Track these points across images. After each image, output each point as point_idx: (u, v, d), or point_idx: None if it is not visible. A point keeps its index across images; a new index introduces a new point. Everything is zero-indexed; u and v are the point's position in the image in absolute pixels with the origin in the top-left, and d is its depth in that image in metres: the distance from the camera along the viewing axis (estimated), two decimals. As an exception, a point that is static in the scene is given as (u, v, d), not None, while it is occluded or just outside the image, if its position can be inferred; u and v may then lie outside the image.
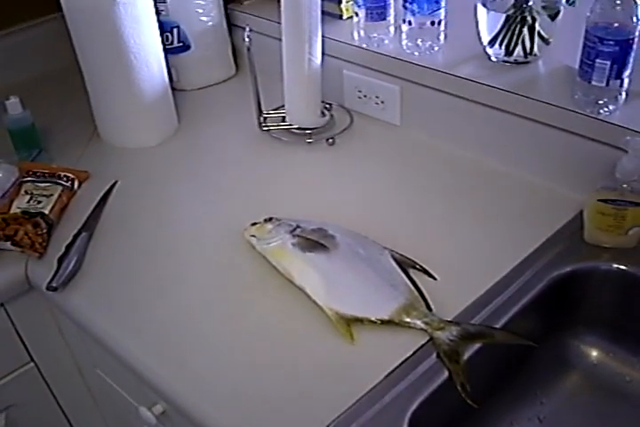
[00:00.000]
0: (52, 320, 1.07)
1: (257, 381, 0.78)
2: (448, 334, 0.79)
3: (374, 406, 0.73)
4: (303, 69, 1.10)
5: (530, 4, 0.97)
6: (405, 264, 0.88)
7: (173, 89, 1.22)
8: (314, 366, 0.78)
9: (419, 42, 1.08)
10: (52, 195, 1.03)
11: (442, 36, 1.09)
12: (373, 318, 0.81)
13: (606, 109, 0.91)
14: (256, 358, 0.80)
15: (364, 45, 1.13)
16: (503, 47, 1.02)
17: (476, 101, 1.03)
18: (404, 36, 1.09)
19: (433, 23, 1.06)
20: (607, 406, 0.91)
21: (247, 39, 1.09)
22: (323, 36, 1.11)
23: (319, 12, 1.07)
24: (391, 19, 1.11)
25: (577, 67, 0.91)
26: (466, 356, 0.78)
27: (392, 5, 1.10)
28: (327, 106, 1.20)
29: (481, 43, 1.04)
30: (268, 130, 1.18)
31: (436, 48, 1.09)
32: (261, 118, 1.18)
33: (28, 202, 1.02)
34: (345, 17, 1.20)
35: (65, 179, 1.07)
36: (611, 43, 0.85)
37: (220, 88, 1.35)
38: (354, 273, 0.86)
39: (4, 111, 1.11)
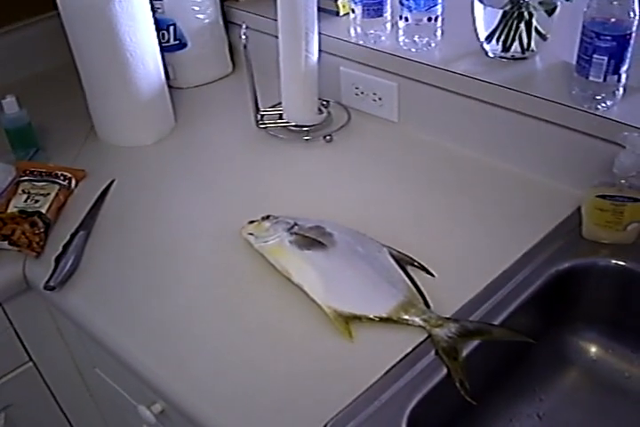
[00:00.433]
0: (50, 320, 1.07)
1: (255, 379, 0.78)
2: (446, 331, 0.79)
3: (373, 404, 0.73)
4: (300, 66, 1.10)
5: (527, -1, 0.97)
6: (403, 261, 0.88)
7: (170, 87, 1.22)
8: (312, 364, 0.78)
9: (416, 38, 1.08)
10: (49, 194, 1.03)
11: (439, 33, 1.08)
12: (372, 316, 0.81)
13: (604, 105, 0.91)
14: (254, 357, 0.80)
15: (361, 42, 1.13)
16: (500, 43, 1.01)
17: (474, 98, 1.03)
18: (400, 32, 1.09)
19: (430, 19, 1.06)
20: (606, 402, 0.91)
21: (243, 36, 1.08)
22: (319, 33, 1.11)
23: (315, 9, 1.06)
24: (388, 15, 1.11)
25: (574, 62, 0.91)
26: (464, 353, 0.78)
27: (389, 2, 1.09)
28: (324, 103, 1.20)
29: (478, 39, 1.04)
30: (265, 127, 1.18)
31: (433, 44, 1.09)
32: (258, 116, 1.18)
33: (26, 201, 1.02)
34: (341, 13, 1.20)
35: (62, 178, 1.07)
36: (608, 38, 0.85)
37: (217, 86, 1.35)
38: (352, 271, 0.86)
39: (0, 110, 1.11)
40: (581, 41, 0.88)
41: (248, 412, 0.74)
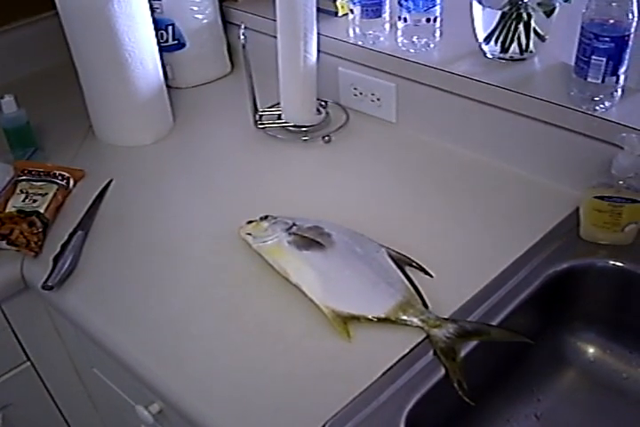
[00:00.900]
0: (48, 319, 1.07)
1: (253, 379, 0.78)
2: (445, 332, 0.79)
3: (371, 404, 0.73)
4: (299, 67, 1.10)
5: (525, 0, 0.97)
6: (402, 262, 0.88)
7: (168, 87, 1.22)
8: (310, 365, 0.78)
9: (414, 39, 1.08)
10: (47, 194, 1.03)
11: (437, 33, 1.09)
12: (370, 316, 0.81)
13: (602, 106, 0.91)
14: (252, 357, 0.80)
15: (360, 43, 1.13)
16: (499, 44, 1.02)
17: (472, 98, 1.03)
18: (399, 33, 1.09)
19: (428, 20, 1.06)
20: (604, 402, 0.91)
21: (242, 37, 1.08)
22: (318, 34, 1.11)
23: (314, 10, 1.06)
24: (386, 16, 1.11)
25: (573, 63, 0.91)
26: (462, 353, 0.78)
27: (387, 2, 1.10)
28: (323, 103, 1.20)
29: (476, 40, 1.04)
30: (263, 128, 1.18)
31: (432, 45, 1.09)
32: (257, 116, 1.18)
33: (24, 201, 1.01)
34: (340, 14, 1.20)
35: (60, 177, 1.07)
36: (606, 39, 0.85)
37: (216, 86, 1.35)
38: (350, 271, 0.86)
39: (-2, 110, 1.11)
40: (580, 42, 0.88)
41: (246, 412, 0.74)
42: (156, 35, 1.15)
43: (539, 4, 0.97)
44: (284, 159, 1.12)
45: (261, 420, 0.74)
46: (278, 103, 1.17)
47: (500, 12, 0.98)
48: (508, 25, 0.99)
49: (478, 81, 1.01)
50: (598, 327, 0.95)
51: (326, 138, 1.15)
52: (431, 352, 0.78)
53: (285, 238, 0.90)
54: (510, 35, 0.99)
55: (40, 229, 0.97)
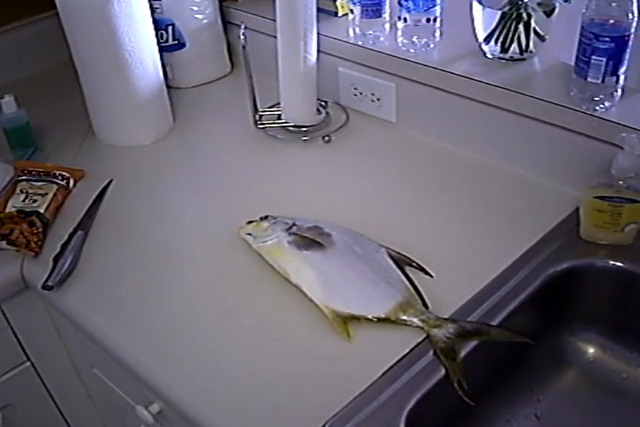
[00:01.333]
0: (48, 319, 1.07)
1: (253, 379, 0.78)
2: (445, 332, 0.79)
3: (371, 405, 0.73)
4: (299, 67, 1.10)
5: (525, 0, 0.97)
6: (402, 262, 0.88)
7: (168, 87, 1.22)
8: (310, 365, 0.78)
9: (414, 39, 1.08)
10: (47, 194, 1.03)
11: (437, 33, 1.09)
12: (370, 316, 0.81)
13: (602, 106, 0.91)
14: (252, 357, 0.80)
15: (360, 43, 1.13)
16: (499, 44, 1.01)
17: (472, 98, 1.03)
18: (399, 33, 1.09)
19: (428, 20, 1.06)
20: (604, 403, 0.91)
21: (242, 37, 1.08)
22: (318, 34, 1.11)
23: (314, 10, 1.06)
24: (386, 16, 1.11)
25: (573, 63, 0.91)
26: (462, 353, 0.78)
27: (387, 2, 1.10)
28: (323, 103, 1.20)
29: (476, 40, 1.04)
30: (263, 128, 1.18)
31: (432, 45, 1.09)
32: (257, 116, 1.18)
33: (24, 201, 1.01)
34: (340, 14, 1.20)
35: (60, 177, 1.07)
36: (606, 39, 0.85)
37: (216, 86, 1.35)
38: (350, 271, 0.86)
39: (-2, 110, 1.11)
40: (580, 42, 0.88)
41: (246, 412, 0.74)
42: (156, 35, 1.15)
43: (539, 4, 0.97)
44: (284, 159, 1.12)
45: (261, 420, 0.74)
46: (278, 103, 1.17)
47: (499, 12, 0.98)
48: (507, 25, 0.99)
49: (478, 81, 1.01)
50: (598, 327, 0.95)
51: (326, 138, 1.15)
52: (431, 352, 0.78)
53: (285, 238, 0.90)
54: (510, 35, 0.99)
55: (40, 229, 0.97)
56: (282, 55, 1.10)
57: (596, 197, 0.87)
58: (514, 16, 0.98)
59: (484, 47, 1.04)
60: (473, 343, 0.80)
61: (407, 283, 0.85)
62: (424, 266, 0.89)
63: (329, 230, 0.91)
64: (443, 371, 0.76)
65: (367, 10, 1.09)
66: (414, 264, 0.89)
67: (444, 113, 1.09)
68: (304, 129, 1.16)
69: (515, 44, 1.01)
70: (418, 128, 1.14)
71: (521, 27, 0.98)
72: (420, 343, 0.79)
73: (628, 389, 0.92)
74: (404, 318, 0.81)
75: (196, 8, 1.26)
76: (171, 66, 1.30)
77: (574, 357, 0.96)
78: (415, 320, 0.80)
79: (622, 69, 0.88)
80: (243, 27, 1.08)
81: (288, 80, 1.12)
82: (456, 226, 0.96)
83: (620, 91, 0.91)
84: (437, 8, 1.05)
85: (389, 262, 0.88)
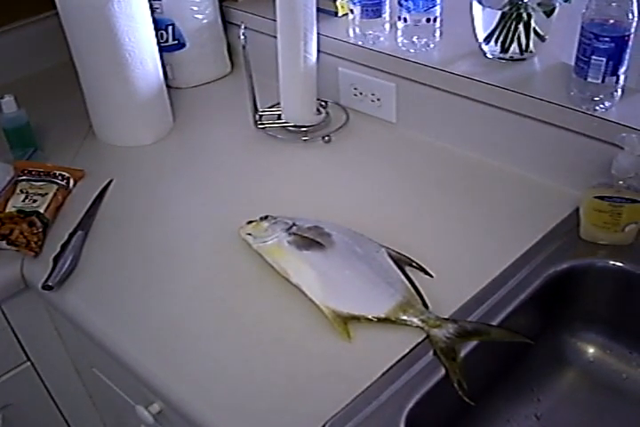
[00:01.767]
0: (48, 319, 1.07)
1: (253, 379, 0.78)
2: (445, 332, 0.79)
3: (371, 405, 0.73)
4: (299, 67, 1.10)
5: (525, 0, 0.97)
6: (402, 262, 0.88)
7: (168, 87, 1.22)
8: (310, 365, 0.78)
9: (414, 39, 1.08)
10: (47, 194, 1.03)
11: (437, 33, 1.09)
12: (370, 316, 0.81)
13: (602, 106, 0.91)
14: (252, 357, 0.80)
15: (360, 43, 1.13)
16: (499, 44, 1.02)
17: (472, 98, 1.03)
18: (399, 33, 1.09)
19: (428, 20, 1.06)
20: (604, 403, 0.91)
21: (242, 37, 1.08)
22: (318, 34, 1.11)
23: (314, 10, 1.06)
24: (386, 16, 1.11)
25: (573, 63, 0.91)
26: (462, 353, 0.78)
27: (387, 2, 1.10)
28: (323, 103, 1.20)
29: (476, 40, 1.04)
30: (263, 128, 1.18)
31: (432, 45, 1.09)
32: (257, 116, 1.18)
33: (24, 201, 1.01)
34: (340, 14, 1.20)
35: (60, 177, 1.07)
36: (606, 39, 0.85)
37: (216, 86, 1.35)
38: (350, 271, 0.86)
39: (-2, 110, 1.11)
40: (580, 42, 0.88)
41: (246, 412, 0.74)
42: (156, 35, 1.15)
43: (539, 4, 0.97)
44: (284, 159, 1.12)
45: (261, 420, 0.74)
46: (278, 103, 1.17)
47: (499, 12, 0.98)
48: (507, 25, 0.99)
49: (478, 81, 1.01)
50: (598, 327, 0.95)
51: (326, 138, 1.15)
52: (431, 352, 0.78)
53: (285, 238, 0.90)
54: (510, 35, 0.99)
55: (40, 229, 0.97)
56: (282, 55, 1.10)
57: (596, 197, 0.87)
58: (514, 16, 0.98)
59: (484, 47, 1.04)
60: (473, 343, 0.80)
61: (407, 283, 0.85)
62: (424, 266, 0.89)
63: (329, 230, 0.91)
64: (443, 371, 0.76)
65: (367, 10, 1.09)
66: (414, 264, 0.89)
67: (443, 113, 1.09)
68: (304, 129, 1.16)
69: (515, 44, 1.01)
70: (418, 128, 1.14)
71: (521, 27, 0.98)
72: (420, 343, 0.79)
73: (628, 389, 0.92)
74: (404, 318, 0.81)
75: (195, 8, 1.26)
76: (171, 66, 1.30)
77: (574, 357, 0.96)
78: (415, 320, 0.80)
79: (622, 69, 0.88)
80: (243, 27, 1.08)
81: (288, 80, 1.12)
82: (456, 226, 0.96)
83: (619, 91, 0.91)
84: (437, 8, 1.05)
85: (389, 262, 0.88)
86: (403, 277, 0.86)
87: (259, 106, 1.17)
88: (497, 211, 0.98)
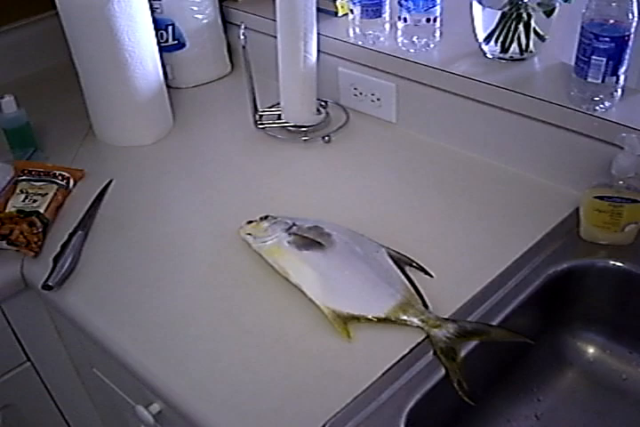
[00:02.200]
0: (48, 319, 1.07)
1: (253, 379, 0.78)
2: (445, 332, 0.79)
3: (371, 405, 0.73)
4: (299, 67, 1.10)
5: (525, 0, 0.97)
6: (402, 262, 0.88)
7: (168, 87, 1.22)
8: (310, 365, 0.78)
9: (414, 39, 1.08)
10: (47, 194, 1.03)
11: (437, 33, 1.09)
12: (370, 316, 0.81)
13: (602, 106, 0.91)
14: (252, 357, 0.80)
15: (360, 43, 1.13)
16: (499, 44, 1.02)
17: (472, 98, 1.03)
18: (399, 33, 1.09)
19: (428, 20, 1.06)
20: (604, 403, 0.91)
21: (242, 37, 1.08)
22: (318, 34, 1.11)
23: (314, 10, 1.06)
24: (387, 16, 1.11)
25: (573, 63, 0.91)
26: (462, 353, 0.78)
27: (387, 2, 1.10)
28: (323, 103, 1.20)
29: (476, 40, 1.04)
30: (263, 128, 1.18)
31: (432, 45, 1.09)
32: (257, 116, 1.18)
33: (24, 201, 1.01)
34: (340, 14, 1.20)
35: (60, 178, 1.07)
36: (606, 39, 0.85)
37: (216, 86, 1.35)
38: (350, 271, 0.86)
39: (-2, 110, 1.11)
40: (580, 42, 0.88)
41: (246, 412, 0.74)
42: (156, 35, 1.15)
43: (539, 4, 0.97)
44: (284, 159, 1.12)
45: (261, 420, 0.74)
46: (278, 103, 1.17)
47: (499, 12, 0.98)
48: (507, 25, 0.99)
49: (478, 81, 1.01)
50: (598, 328, 0.95)
51: (326, 138, 1.15)
52: (431, 352, 0.78)
53: (285, 238, 0.90)
54: (510, 35, 1.00)
55: (40, 229, 0.97)
56: (282, 55, 1.10)
57: (595, 197, 0.87)
58: (514, 16, 0.98)
59: (484, 47, 1.04)
60: (473, 343, 0.80)
61: (407, 283, 0.85)
62: (424, 266, 0.89)
63: (329, 230, 0.91)
64: (443, 371, 0.76)
65: (367, 10, 1.09)
66: (414, 264, 0.89)
67: (443, 113, 1.09)
68: (304, 129, 1.16)
69: (515, 44, 1.01)
70: (418, 128, 1.14)
71: (521, 27, 0.98)
72: (419, 343, 0.79)
73: (628, 389, 0.92)
74: (404, 318, 0.81)
75: (195, 8, 1.26)
76: (171, 66, 1.30)
77: (574, 357, 0.96)
78: (415, 320, 0.80)
79: (622, 69, 0.88)
80: (243, 27, 1.08)
81: (288, 80, 1.12)
82: (456, 226, 0.96)
83: (619, 91, 0.91)
84: (437, 8, 1.05)
85: (389, 262, 0.88)
86: (403, 277, 0.86)
87: (259, 106, 1.17)
88: (497, 211, 0.98)
